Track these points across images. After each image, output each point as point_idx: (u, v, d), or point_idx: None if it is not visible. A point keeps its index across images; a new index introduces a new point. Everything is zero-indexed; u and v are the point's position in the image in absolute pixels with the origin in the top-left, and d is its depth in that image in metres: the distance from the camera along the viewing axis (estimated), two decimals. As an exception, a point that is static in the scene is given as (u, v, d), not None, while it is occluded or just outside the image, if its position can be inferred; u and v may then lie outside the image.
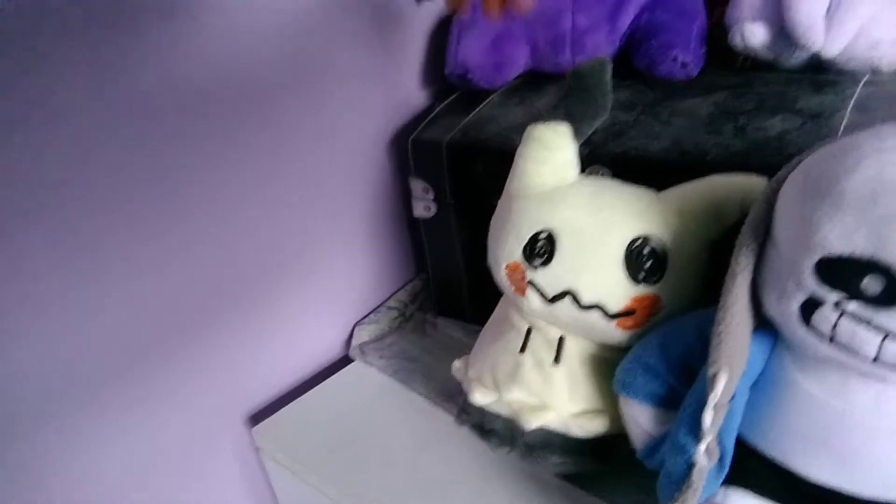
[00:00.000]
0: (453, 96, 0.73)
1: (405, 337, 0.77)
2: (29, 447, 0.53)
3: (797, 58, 0.59)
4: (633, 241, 0.44)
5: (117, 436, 0.59)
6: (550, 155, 0.48)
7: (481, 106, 0.69)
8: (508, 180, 0.50)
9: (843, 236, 0.32)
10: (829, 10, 0.55)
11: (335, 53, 0.68)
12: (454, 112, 0.70)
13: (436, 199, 0.71)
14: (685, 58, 0.60)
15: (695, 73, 0.62)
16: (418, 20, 0.77)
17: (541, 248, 0.46)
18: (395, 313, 0.81)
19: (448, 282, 0.77)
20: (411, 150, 0.70)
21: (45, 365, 0.52)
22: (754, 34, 0.59)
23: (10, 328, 0.49)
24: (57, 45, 0.47)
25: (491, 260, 0.51)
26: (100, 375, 0.56)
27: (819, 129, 0.50)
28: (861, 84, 0.54)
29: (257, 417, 0.70)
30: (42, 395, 0.53)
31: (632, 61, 0.64)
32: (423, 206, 0.72)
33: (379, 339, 0.77)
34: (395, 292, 0.83)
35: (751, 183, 0.44)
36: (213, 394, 0.67)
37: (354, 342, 0.77)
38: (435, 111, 0.72)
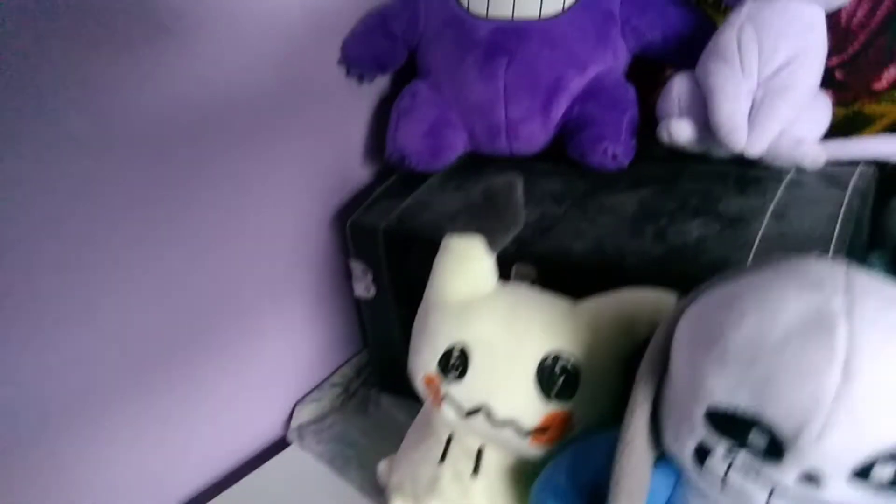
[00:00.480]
0: (394, 177, 0.73)
1: (346, 417, 0.76)
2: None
3: (724, 153, 0.59)
4: (545, 357, 0.44)
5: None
6: (465, 266, 0.47)
7: (419, 189, 0.69)
8: (427, 288, 0.50)
9: (727, 391, 0.31)
10: (751, 111, 0.56)
11: (280, 126, 0.68)
12: (393, 195, 0.70)
13: (375, 281, 0.70)
14: (615, 150, 0.61)
15: (626, 164, 0.62)
16: (365, 98, 0.77)
17: (455, 362, 0.46)
18: (338, 390, 0.80)
19: (390, 360, 0.76)
20: (350, 234, 0.70)
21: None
22: (680, 131, 0.59)
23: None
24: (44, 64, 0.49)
25: (410, 368, 0.50)
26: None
27: (735, 236, 0.50)
28: (783, 185, 0.55)
29: (189, 506, 0.68)
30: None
31: (565, 150, 0.64)
32: (364, 287, 0.72)
33: (319, 419, 0.76)
34: (339, 367, 0.82)
35: (660, 301, 0.44)
36: (142, 478, 0.65)
37: (294, 423, 0.76)
38: (375, 192, 0.72)
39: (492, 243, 0.47)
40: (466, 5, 0.64)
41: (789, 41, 0.55)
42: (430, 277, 0.50)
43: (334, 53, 0.72)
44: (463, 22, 0.64)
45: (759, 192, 0.54)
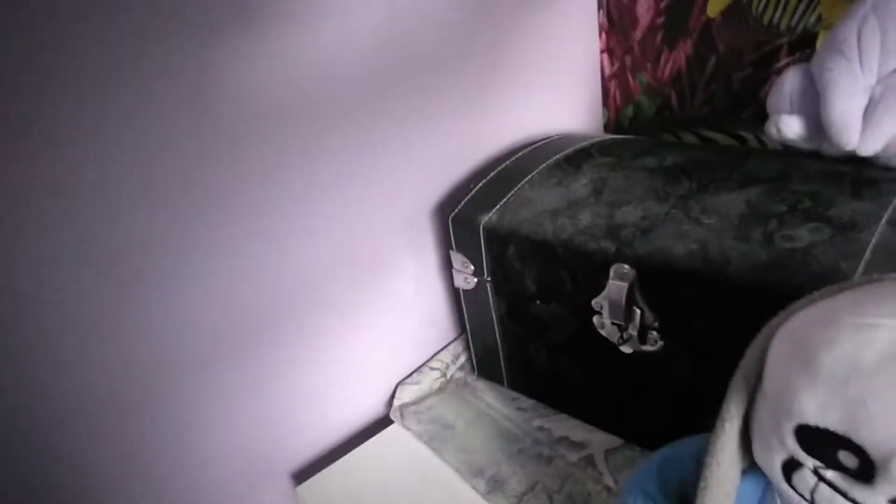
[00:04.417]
0: (496, 171, 0.75)
1: (444, 401, 0.79)
2: None
3: (836, 152, 0.57)
4: None
5: (155, 487, 0.64)
6: None
7: (520, 184, 0.71)
8: None
9: (818, 410, 0.31)
10: (867, 109, 0.53)
11: (387, 112, 0.71)
12: (494, 188, 0.72)
13: (474, 274, 0.73)
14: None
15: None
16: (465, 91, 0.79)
17: None
18: (437, 374, 0.83)
19: (486, 349, 0.78)
20: (451, 226, 0.72)
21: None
22: (790, 127, 0.57)
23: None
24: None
25: None
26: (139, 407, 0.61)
27: (846, 244, 0.48)
28: (903, 189, 0.52)
29: (301, 475, 0.74)
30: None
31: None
32: (463, 279, 0.74)
33: (419, 401, 0.80)
34: (437, 352, 0.86)
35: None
36: (258, 448, 0.71)
37: (396, 402, 0.80)
38: (477, 186, 0.74)
39: None
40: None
41: (917, 36, 0.51)
42: None
43: (437, 41, 0.73)
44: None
45: (875, 197, 0.52)
